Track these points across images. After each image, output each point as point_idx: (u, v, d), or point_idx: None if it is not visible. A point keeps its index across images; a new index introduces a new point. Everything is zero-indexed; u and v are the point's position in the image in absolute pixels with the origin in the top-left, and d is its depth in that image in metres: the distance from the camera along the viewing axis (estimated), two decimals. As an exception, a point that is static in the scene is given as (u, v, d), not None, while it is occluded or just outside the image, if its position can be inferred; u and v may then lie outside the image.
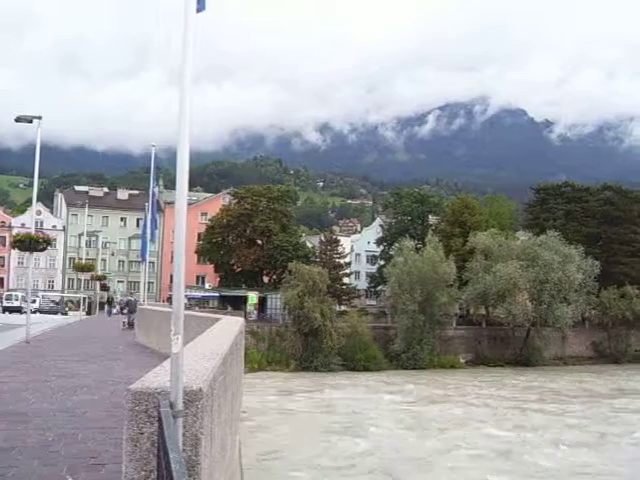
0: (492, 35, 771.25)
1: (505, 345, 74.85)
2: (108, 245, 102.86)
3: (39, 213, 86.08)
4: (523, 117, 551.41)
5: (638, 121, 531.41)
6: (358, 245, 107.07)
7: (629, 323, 79.68)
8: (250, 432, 28.15)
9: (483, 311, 79.52)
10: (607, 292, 79.43)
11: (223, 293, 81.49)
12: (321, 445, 30.57)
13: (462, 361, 71.67)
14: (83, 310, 67.20)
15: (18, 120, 27.11)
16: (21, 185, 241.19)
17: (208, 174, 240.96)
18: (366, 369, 63.54)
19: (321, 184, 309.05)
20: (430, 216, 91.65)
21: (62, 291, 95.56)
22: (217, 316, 17.57)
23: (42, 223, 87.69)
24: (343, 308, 78.75)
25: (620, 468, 27.94)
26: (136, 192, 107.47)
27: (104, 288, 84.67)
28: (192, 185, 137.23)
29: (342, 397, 47.00)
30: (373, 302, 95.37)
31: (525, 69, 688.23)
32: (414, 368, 65.29)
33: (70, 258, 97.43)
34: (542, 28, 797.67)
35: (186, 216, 4.68)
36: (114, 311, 67.24)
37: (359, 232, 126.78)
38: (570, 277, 70.42)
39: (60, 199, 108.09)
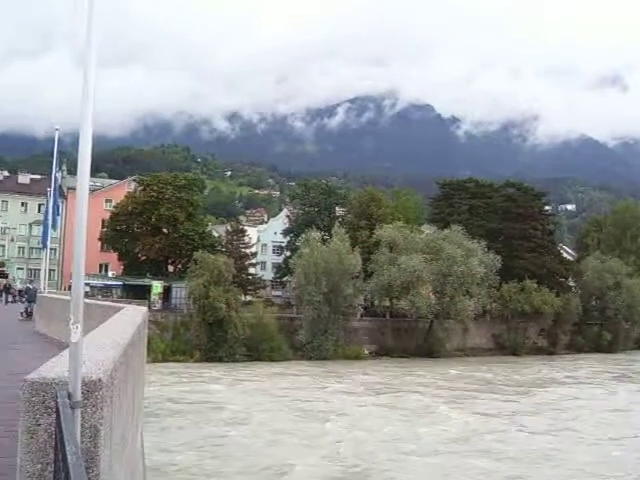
0: (402, 31, 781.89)
1: (409, 336, 76.04)
2: (7, 231, 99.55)
3: None
4: (431, 113, 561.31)
5: (542, 120, 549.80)
6: (265, 235, 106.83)
7: (528, 316, 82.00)
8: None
9: (387, 303, 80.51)
10: (507, 286, 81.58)
11: (127, 282, 79.92)
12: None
13: (366, 352, 72.40)
14: (-22, 298, 64.88)
15: None
16: None
17: (114, 160, 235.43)
18: (271, 359, 63.53)
19: (229, 173, 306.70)
20: (337, 208, 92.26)
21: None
22: (120, 305, 17.23)
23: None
24: (249, 298, 78.52)
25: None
26: (38, 177, 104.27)
27: (2, 275, 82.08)
28: (97, 171, 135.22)
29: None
30: (279, 293, 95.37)
31: (434, 66, 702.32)
32: (319, 359, 65.64)
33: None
34: (449, 26, 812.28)
35: (89, 202, 4.56)
36: (11, 299, 65.14)
37: (266, 222, 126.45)
38: (472, 271, 72.01)
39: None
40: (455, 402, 44.37)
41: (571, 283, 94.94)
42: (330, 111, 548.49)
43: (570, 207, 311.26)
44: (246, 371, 56.03)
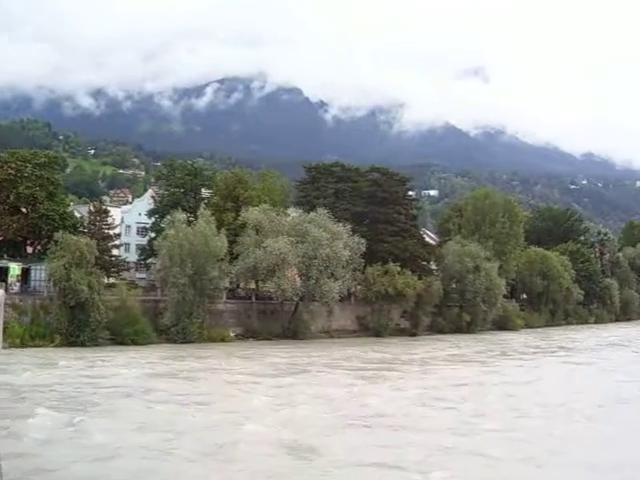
0: (273, 13, 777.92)
1: (274, 319, 76.26)
2: None
3: None
4: (299, 96, 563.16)
5: (408, 107, 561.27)
6: (129, 216, 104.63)
7: (391, 298, 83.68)
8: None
9: (253, 285, 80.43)
10: (372, 269, 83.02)
11: (-18, 263, 76.62)
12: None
13: (232, 335, 72.16)
14: None
15: None
16: None
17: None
18: (135, 343, 62.19)
19: (92, 152, 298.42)
20: (203, 189, 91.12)
21: None
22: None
23: None
24: (112, 281, 76.66)
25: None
26: None
27: None
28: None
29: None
30: (143, 275, 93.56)
31: (303, 49, 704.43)
32: (184, 342, 64.85)
33: None
34: (320, 10, 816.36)
35: None
36: None
37: (130, 203, 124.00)
38: (338, 254, 72.85)
39: None
40: (364, 379, 46.81)
41: (433, 266, 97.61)
42: (198, 91, 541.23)
43: (433, 193, 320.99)
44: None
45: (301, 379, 45.92)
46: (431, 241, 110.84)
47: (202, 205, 79.20)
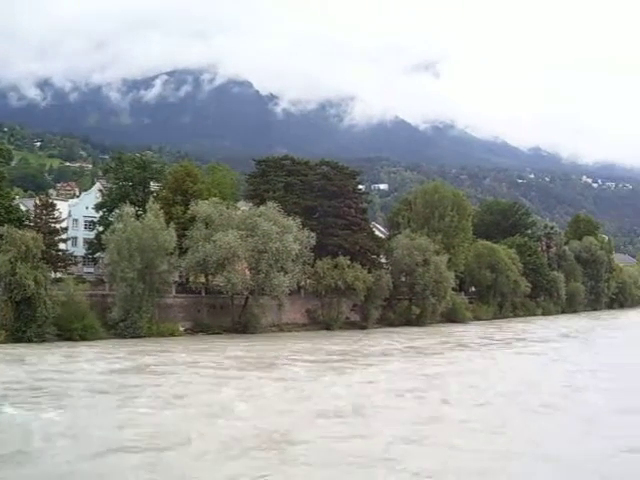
0: (224, 5, 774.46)
1: (224, 313, 76.06)
2: None
3: None
4: (249, 89, 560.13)
5: (358, 101, 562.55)
6: (76, 210, 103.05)
7: (341, 292, 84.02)
8: None
9: (203, 279, 79.96)
10: (322, 262, 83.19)
11: None
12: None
13: (181, 329, 71.78)
14: None
15: None
16: None
17: None
18: (83, 338, 61.37)
19: (38, 144, 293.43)
20: (152, 183, 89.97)
21: None
22: None
23: None
24: (59, 275, 75.57)
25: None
26: None
27: None
28: None
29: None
30: (91, 269, 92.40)
31: (254, 42, 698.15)
32: (133, 336, 64.34)
33: None
34: (271, 4, 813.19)
35: None
36: None
37: (77, 196, 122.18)
38: (288, 247, 72.76)
39: None
40: (333, 370, 48.03)
41: (383, 260, 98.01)
42: (147, 83, 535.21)
43: (383, 186, 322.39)
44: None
45: (269, 372, 46.46)
46: (381, 235, 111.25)
47: (151, 199, 78.26)
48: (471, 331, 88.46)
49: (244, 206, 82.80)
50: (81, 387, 37.95)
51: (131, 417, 30.64)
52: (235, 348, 60.74)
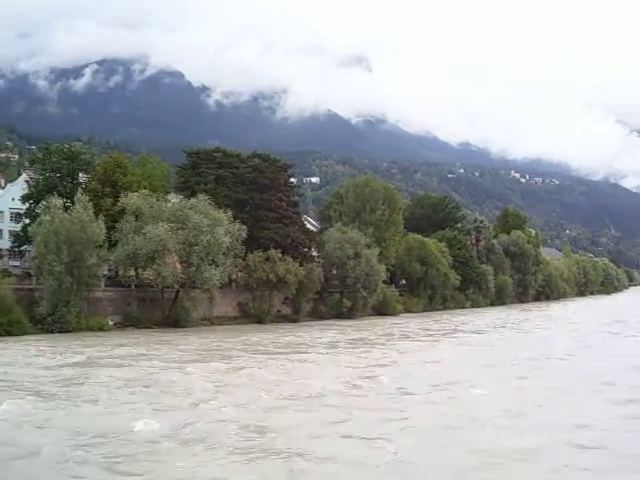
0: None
1: (155, 306, 75.33)
2: None
3: None
4: (181, 80, 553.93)
5: (291, 93, 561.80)
6: (1, 202, 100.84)
7: (272, 285, 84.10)
8: None
9: (133, 273, 79.02)
10: (253, 255, 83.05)
11: None
12: None
13: (111, 323, 70.86)
14: None
15: None
16: None
17: None
18: (9, 334, 59.79)
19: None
20: (80, 174, 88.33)
21: None
22: None
23: None
24: (-17, 268, 73.96)
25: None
26: None
27: None
28: None
29: None
30: (17, 263, 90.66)
31: (187, 33, 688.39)
32: (61, 331, 63.20)
33: None
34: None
35: None
36: None
37: (3, 188, 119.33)
38: (219, 240, 72.41)
39: None
40: (290, 361, 48.49)
41: (314, 253, 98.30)
42: (76, 72, 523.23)
43: (314, 180, 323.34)
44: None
45: (228, 363, 46.47)
46: (312, 228, 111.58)
47: (79, 190, 76.81)
48: (412, 323, 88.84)
49: (175, 198, 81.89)
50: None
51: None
52: (192, 340, 61.39)
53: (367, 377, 40.55)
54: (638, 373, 43.98)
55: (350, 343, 63.38)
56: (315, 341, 65.06)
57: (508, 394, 35.80)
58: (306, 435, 26.20)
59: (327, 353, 54.60)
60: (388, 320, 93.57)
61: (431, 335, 73.55)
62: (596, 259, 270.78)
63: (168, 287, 73.20)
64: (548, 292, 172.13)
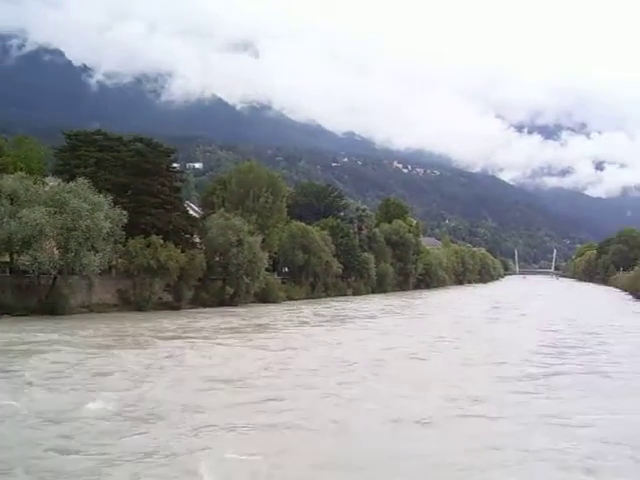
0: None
1: (30, 293, 72.85)
2: None
3: None
4: (62, 58, 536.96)
5: (175, 77, 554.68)
6: None
7: (153, 271, 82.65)
8: None
9: (8, 258, 76.42)
10: (134, 241, 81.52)
11: None
12: None
13: (-18, 311, 68.40)
14: None
15: None
16: None
17: None
18: None
19: None
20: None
21: None
22: None
23: None
24: None
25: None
26: None
27: None
28: None
29: None
30: None
31: (68, 9, 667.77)
32: None
33: None
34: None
35: None
36: None
37: None
38: (98, 225, 70.72)
39: None
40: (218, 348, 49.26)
41: (197, 239, 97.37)
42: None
43: (198, 165, 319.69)
44: None
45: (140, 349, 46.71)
46: (195, 214, 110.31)
47: (-50, 172, 73.91)
48: (306, 310, 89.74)
49: (53, 182, 79.51)
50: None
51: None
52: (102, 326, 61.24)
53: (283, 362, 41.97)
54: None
55: (254, 328, 64.81)
56: (218, 327, 65.42)
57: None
58: (239, 413, 27.65)
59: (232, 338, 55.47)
60: (272, 307, 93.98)
61: (329, 321, 75.33)
62: (474, 249, 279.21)
63: (45, 273, 71.05)
64: (428, 280, 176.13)
